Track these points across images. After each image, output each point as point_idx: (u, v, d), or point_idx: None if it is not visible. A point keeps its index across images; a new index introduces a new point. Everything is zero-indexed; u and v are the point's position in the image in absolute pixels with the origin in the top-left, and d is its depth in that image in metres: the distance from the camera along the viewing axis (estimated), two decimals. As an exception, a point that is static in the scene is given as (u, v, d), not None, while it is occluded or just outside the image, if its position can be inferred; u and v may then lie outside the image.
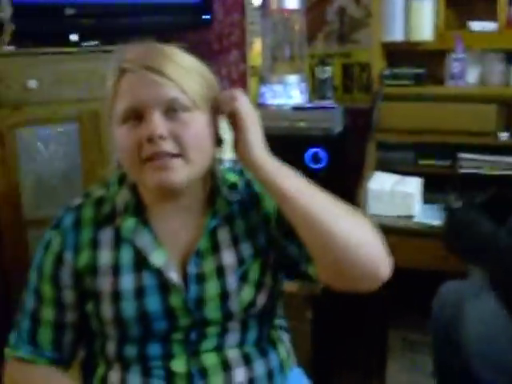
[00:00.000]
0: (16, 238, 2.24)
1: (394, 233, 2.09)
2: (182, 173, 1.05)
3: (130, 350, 1.12)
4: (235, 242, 1.16)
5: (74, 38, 2.39)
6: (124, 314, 1.10)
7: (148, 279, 1.11)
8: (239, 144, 1.07)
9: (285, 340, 1.29)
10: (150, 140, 1.03)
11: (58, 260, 1.13)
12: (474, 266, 1.52)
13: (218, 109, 1.10)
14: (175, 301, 1.11)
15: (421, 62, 2.38)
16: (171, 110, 1.05)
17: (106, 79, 1.10)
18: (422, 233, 2.07)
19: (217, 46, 2.88)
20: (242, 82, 2.89)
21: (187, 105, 1.05)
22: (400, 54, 2.43)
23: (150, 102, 1.04)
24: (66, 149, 2.33)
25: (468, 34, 2.28)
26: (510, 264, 1.25)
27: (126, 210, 1.12)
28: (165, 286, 1.11)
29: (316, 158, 2.26)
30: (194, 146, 1.06)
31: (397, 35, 2.31)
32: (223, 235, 1.15)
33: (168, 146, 1.04)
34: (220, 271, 1.13)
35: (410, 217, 2.14)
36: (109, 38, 2.25)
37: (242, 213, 1.17)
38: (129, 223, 1.12)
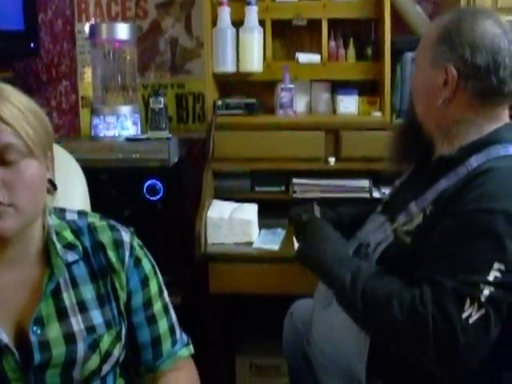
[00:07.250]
0: None
1: (235, 260, 2.12)
2: (11, 221, 0.97)
3: None
4: (83, 308, 1.08)
5: None
6: None
7: None
8: None
9: None
10: None
11: None
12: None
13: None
14: (8, 364, 1.01)
15: (252, 93, 2.46)
16: (4, 156, 0.96)
17: None
18: (262, 258, 2.10)
19: (45, 76, 2.76)
20: (73, 114, 2.79)
21: (22, 151, 0.97)
22: (232, 84, 2.50)
23: None
24: None
25: (295, 65, 2.39)
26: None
27: None
28: None
29: (153, 190, 2.24)
30: (26, 195, 0.98)
31: (228, 66, 2.36)
32: (68, 300, 1.08)
33: None
34: (68, 338, 1.05)
35: (249, 243, 2.18)
36: None
37: (91, 278, 1.11)
38: None
